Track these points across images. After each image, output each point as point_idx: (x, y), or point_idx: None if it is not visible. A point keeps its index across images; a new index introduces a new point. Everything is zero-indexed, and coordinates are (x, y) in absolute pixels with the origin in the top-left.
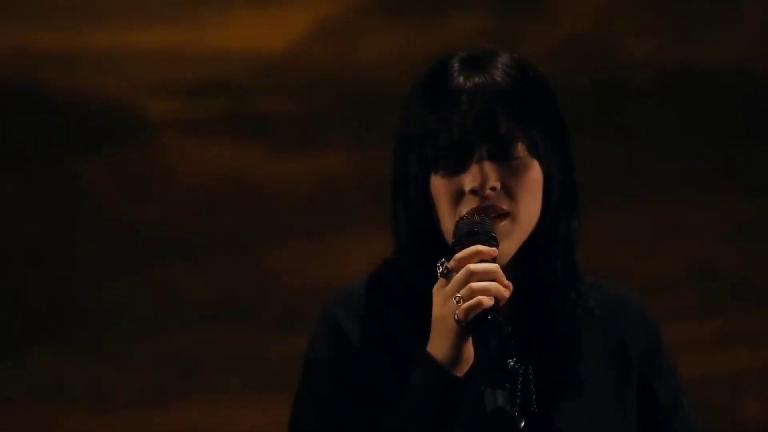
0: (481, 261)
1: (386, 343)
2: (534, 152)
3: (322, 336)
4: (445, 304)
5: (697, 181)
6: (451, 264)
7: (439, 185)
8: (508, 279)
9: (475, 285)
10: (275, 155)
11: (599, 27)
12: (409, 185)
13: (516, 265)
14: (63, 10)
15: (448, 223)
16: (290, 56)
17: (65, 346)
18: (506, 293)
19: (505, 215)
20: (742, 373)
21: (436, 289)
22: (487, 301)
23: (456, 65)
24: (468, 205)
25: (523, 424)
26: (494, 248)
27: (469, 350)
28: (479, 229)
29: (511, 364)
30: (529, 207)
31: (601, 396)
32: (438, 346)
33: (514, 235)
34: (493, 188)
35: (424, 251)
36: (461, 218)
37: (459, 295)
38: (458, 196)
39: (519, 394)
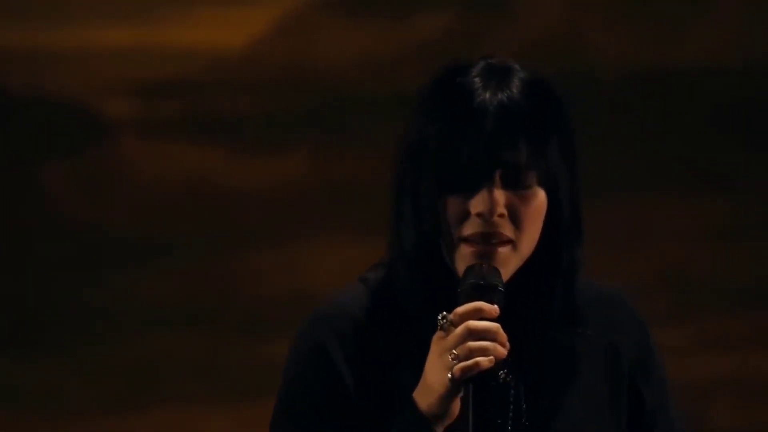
0: (482, 318)
1: (375, 371)
2: (544, 181)
3: (305, 357)
4: (441, 358)
5: (669, 183)
6: (452, 317)
7: (447, 202)
8: (502, 305)
9: (472, 344)
10: (237, 156)
11: (568, 26)
12: (420, 198)
13: (511, 291)
14: (20, 9)
15: (449, 242)
16: (251, 55)
17: (23, 351)
18: (504, 353)
19: (507, 242)
20: (715, 379)
21: (434, 339)
22: (485, 363)
23: (478, 79)
24: (471, 227)
25: None
26: (497, 307)
27: (456, 406)
28: (486, 282)
29: (503, 376)
30: (532, 236)
31: (594, 407)
32: (425, 396)
33: (512, 263)
34: (500, 215)
35: (427, 267)
36: (471, 266)
37: (455, 352)
38: (464, 216)
39: (511, 407)
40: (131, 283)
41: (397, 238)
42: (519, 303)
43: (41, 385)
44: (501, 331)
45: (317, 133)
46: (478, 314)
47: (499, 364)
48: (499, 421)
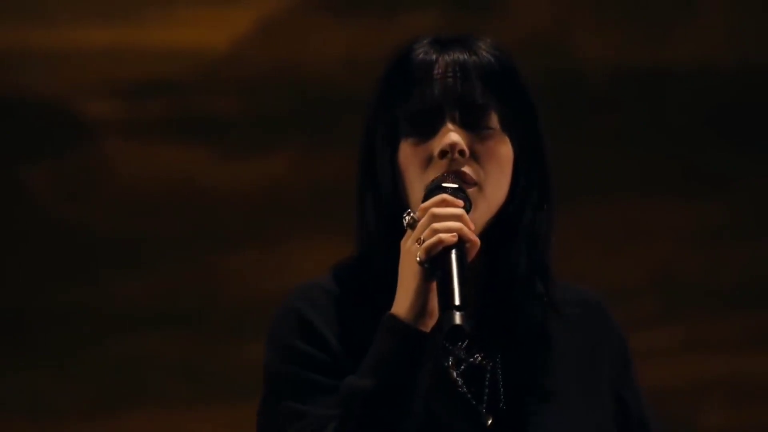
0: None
1: (348, 336)
2: (506, 126)
3: (284, 324)
4: (409, 251)
5: (660, 183)
6: (416, 214)
7: (408, 152)
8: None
9: (437, 225)
10: (222, 157)
11: (557, 25)
12: (377, 160)
13: (482, 259)
14: (1, 10)
15: (416, 191)
16: (235, 55)
17: (4, 354)
18: (471, 235)
19: (473, 184)
20: (707, 380)
21: (402, 242)
22: (449, 238)
23: (430, 40)
24: (436, 170)
25: (490, 421)
26: (461, 200)
27: (434, 303)
28: (449, 183)
29: (479, 359)
30: (498, 181)
31: (570, 395)
32: (402, 299)
33: (481, 206)
34: (461, 152)
35: (392, 237)
36: (432, 180)
37: (422, 237)
38: (427, 161)
39: (486, 391)
40: (116, 284)
41: (363, 216)
42: (489, 269)
43: (24, 389)
44: (466, 216)
45: (303, 134)
46: (443, 205)
47: (465, 250)
48: (474, 402)
